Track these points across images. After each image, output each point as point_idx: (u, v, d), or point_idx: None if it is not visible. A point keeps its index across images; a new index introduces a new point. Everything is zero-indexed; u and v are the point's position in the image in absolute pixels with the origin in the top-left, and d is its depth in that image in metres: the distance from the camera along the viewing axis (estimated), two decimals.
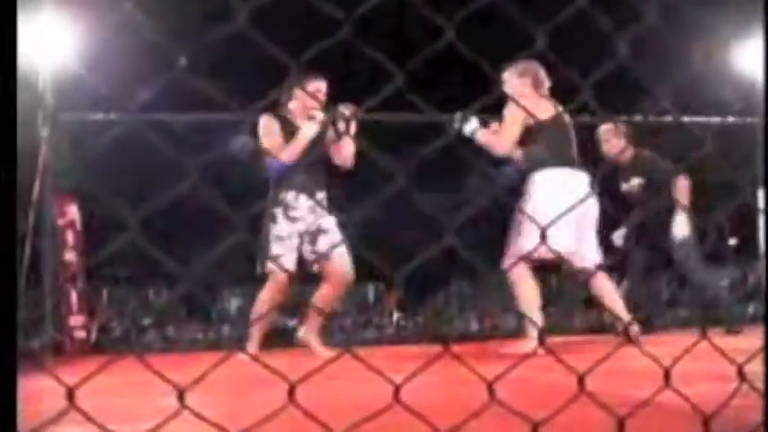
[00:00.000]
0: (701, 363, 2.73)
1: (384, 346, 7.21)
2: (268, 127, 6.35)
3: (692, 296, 9.84)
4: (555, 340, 7.40)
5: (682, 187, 7.59)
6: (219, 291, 12.01)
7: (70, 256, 7.84)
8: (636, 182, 7.94)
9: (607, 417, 1.92)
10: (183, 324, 10.03)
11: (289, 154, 6.23)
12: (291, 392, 1.56)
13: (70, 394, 1.52)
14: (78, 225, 7.89)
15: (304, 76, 6.25)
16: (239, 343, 7.15)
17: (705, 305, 8.63)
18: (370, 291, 16.01)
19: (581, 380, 1.82)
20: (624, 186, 8.07)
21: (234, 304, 11.65)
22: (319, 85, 6.30)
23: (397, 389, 1.64)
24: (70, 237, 7.84)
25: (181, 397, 1.53)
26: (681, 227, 7.58)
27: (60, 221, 7.77)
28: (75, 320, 7.80)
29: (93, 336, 8.38)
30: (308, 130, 6.26)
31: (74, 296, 7.83)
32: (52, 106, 7.83)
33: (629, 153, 7.90)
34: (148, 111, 7.36)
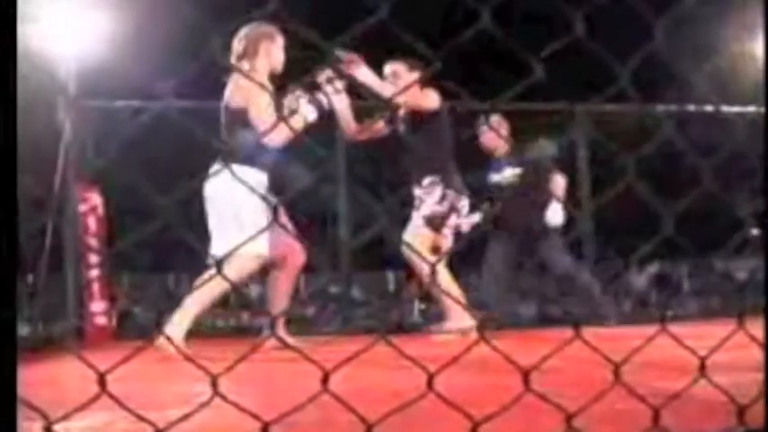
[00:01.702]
0: (730, 353, 2.70)
1: (408, 335, 7.18)
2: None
3: (549, 287, 9.87)
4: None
5: (558, 182, 8.02)
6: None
7: (92, 242, 7.85)
8: (509, 173, 8.02)
9: (639, 407, 1.90)
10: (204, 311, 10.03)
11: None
12: (325, 380, 1.55)
13: (101, 380, 1.51)
14: (100, 211, 7.90)
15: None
16: (260, 330, 7.13)
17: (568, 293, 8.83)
18: (391, 279, 16.00)
19: (616, 370, 1.80)
20: (495, 177, 8.13)
21: (254, 291, 11.63)
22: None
23: (431, 377, 1.62)
24: (92, 223, 7.85)
25: (214, 384, 1.52)
26: (555, 215, 7.84)
27: (82, 208, 7.78)
28: (97, 307, 7.81)
29: (114, 322, 8.40)
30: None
31: (95, 282, 7.85)
32: (75, 93, 7.83)
33: (508, 145, 8.10)
34: (174, 97, 7.34)
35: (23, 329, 7.56)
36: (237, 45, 5.50)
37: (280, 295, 5.95)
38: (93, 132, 8.04)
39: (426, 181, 6.29)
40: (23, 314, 7.78)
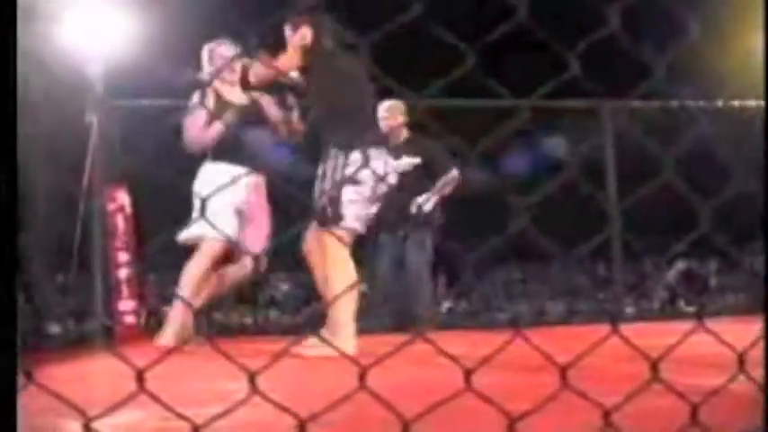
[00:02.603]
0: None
1: (437, 332, 7.17)
2: None
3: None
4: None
5: (452, 178, 7.92)
6: (266, 276, 12.05)
7: (120, 241, 7.89)
8: (405, 162, 7.80)
9: (675, 404, 1.89)
10: (231, 310, 10.06)
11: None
12: (362, 377, 1.55)
13: (140, 377, 1.51)
14: (128, 210, 7.93)
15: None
16: (289, 329, 7.15)
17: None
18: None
19: (654, 367, 1.78)
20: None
21: (281, 290, 11.65)
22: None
23: (468, 373, 1.62)
24: (120, 222, 7.88)
25: (252, 381, 1.52)
26: (426, 202, 7.83)
27: (110, 207, 7.82)
28: (125, 306, 7.84)
29: (143, 321, 8.43)
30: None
31: (124, 281, 7.88)
32: (102, 92, 7.87)
33: (405, 133, 8.07)
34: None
35: (54, 328, 7.60)
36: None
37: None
38: (121, 131, 8.08)
39: None
40: (53, 313, 7.82)
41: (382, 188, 5.41)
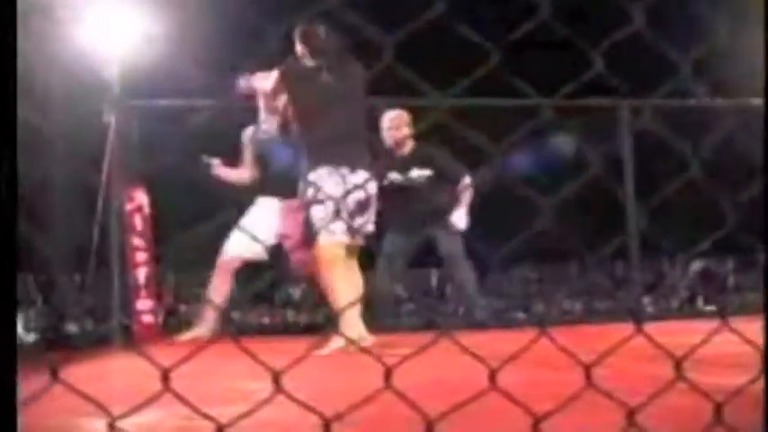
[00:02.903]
0: None
1: (459, 331, 7.18)
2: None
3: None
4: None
5: (466, 186, 7.91)
6: (282, 276, 12.07)
7: (138, 240, 7.90)
8: (416, 174, 7.89)
9: (699, 403, 1.88)
10: (248, 309, 10.08)
11: None
12: (387, 376, 1.54)
13: (165, 376, 1.51)
14: (146, 210, 7.95)
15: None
16: (305, 328, 7.16)
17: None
18: (433, 276, 15.98)
19: (678, 366, 1.78)
20: (397, 177, 7.95)
21: (298, 289, 11.66)
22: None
23: (493, 373, 1.61)
24: (138, 221, 7.89)
25: (276, 381, 1.52)
26: (460, 220, 7.85)
27: (128, 206, 7.83)
28: (143, 305, 7.85)
29: (161, 320, 8.45)
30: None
31: (141, 281, 7.89)
32: (120, 92, 7.88)
33: (411, 144, 7.99)
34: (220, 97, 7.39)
35: (72, 327, 7.63)
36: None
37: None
38: (139, 131, 8.10)
39: None
40: (72, 312, 7.85)
41: (354, 201, 5.56)
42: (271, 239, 6.86)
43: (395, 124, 7.86)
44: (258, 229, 6.67)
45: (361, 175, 5.51)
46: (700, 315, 9.24)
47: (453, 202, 7.88)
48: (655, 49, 1.83)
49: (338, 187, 5.36)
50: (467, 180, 7.94)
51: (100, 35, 7.64)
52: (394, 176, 7.95)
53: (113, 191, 7.74)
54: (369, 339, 5.19)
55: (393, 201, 7.60)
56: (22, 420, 1.58)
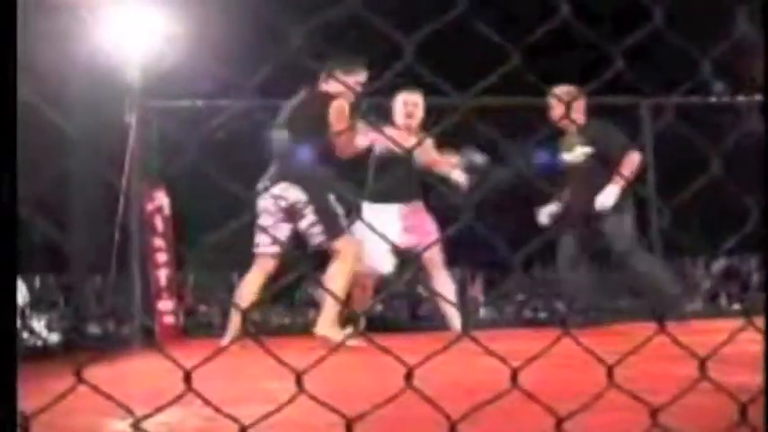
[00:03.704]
0: None
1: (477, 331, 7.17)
2: (343, 110, 6.14)
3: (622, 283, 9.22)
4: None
5: (630, 161, 7.06)
6: (304, 275, 12.06)
7: (158, 241, 7.93)
8: (580, 151, 7.31)
9: (723, 403, 1.87)
10: (269, 309, 10.09)
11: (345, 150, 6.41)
12: (409, 376, 1.54)
13: (187, 377, 1.52)
14: (167, 211, 7.98)
15: (347, 60, 6.32)
16: None
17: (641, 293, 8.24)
18: (455, 275, 15.92)
19: (702, 365, 1.77)
20: (566, 156, 7.50)
21: (318, 289, 11.66)
22: (360, 77, 6.26)
23: (515, 373, 1.61)
24: (158, 222, 7.93)
25: (299, 381, 1.52)
26: (607, 197, 7.04)
27: (149, 207, 7.86)
28: (164, 306, 7.88)
29: (182, 320, 8.48)
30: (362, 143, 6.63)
31: (162, 281, 7.93)
32: (140, 93, 7.91)
33: (581, 120, 7.30)
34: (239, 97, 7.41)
35: (93, 329, 7.67)
36: None
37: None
38: (160, 132, 8.13)
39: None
40: (93, 314, 7.89)
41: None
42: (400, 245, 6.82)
43: (560, 101, 7.08)
44: (390, 237, 6.40)
45: None
46: (723, 314, 9.20)
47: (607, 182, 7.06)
48: (675, 47, 1.83)
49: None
50: (634, 156, 7.12)
51: (121, 36, 7.67)
52: (567, 158, 7.48)
53: (134, 192, 7.78)
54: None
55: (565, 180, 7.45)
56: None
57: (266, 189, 6.00)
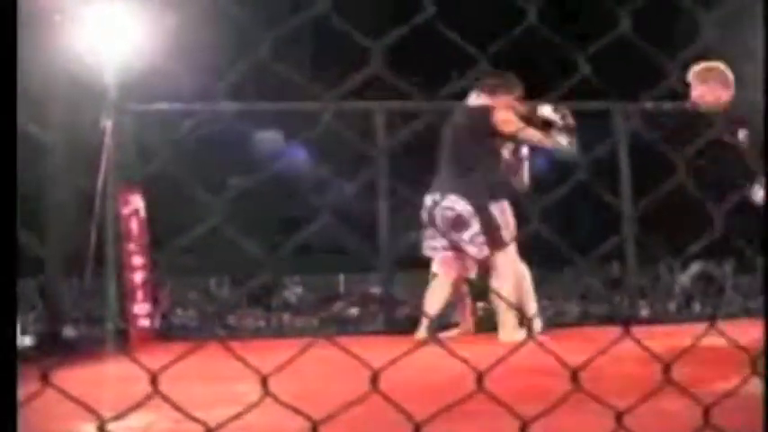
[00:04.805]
0: None
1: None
2: (509, 113, 6.48)
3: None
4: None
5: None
6: (280, 280, 12.08)
7: (134, 244, 7.90)
8: (742, 134, 6.18)
9: (689, 406, 1.89)
10: (245, 313, 10.09)
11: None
12: (374, 379, 1.55)
13: (153, 379, 1.52)
14: (142, 214, 7.95)
15: (502, 78, 6.56)
16: (302, 331, 7.17)
17: None
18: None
19: (666, 368, 1.78)
20: (729, 138, 6.26)
21: (295, 293, 11.66)
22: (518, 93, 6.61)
23: (480, 377, 1.62)
24: (134, 226, 7.89)
25: (264, 383, 1.52)
26: (759, 194, 5.95)
27: (125, 210, 7.83)
28: (140, 309, 7.84)
29: (157, 324, 8.45)
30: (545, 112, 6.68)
31: (138, 285, 7.89)
32: (117, 96, 7.88)
33: (727, 98, 6.25)
34: (219, 100, 7.39)
35: (69, 332, 7.63)
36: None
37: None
38: (136, 135, 8.10)
39: None
40: (69, 316, 7.85)
41: None
42: None
43: (706, 77, 6.25)
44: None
45: None
46: (698, 318, 9.25)
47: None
48: (643, 52, 1.84)
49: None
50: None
51: (97, 39, 7.64)
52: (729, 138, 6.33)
53: (110, 195, 7.74)
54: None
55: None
56: (21, 421, 1.59)
57: (435, 201, 6.55)
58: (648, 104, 8.58)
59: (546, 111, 6.63)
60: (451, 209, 6.48)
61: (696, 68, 6.21)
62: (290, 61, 6.04)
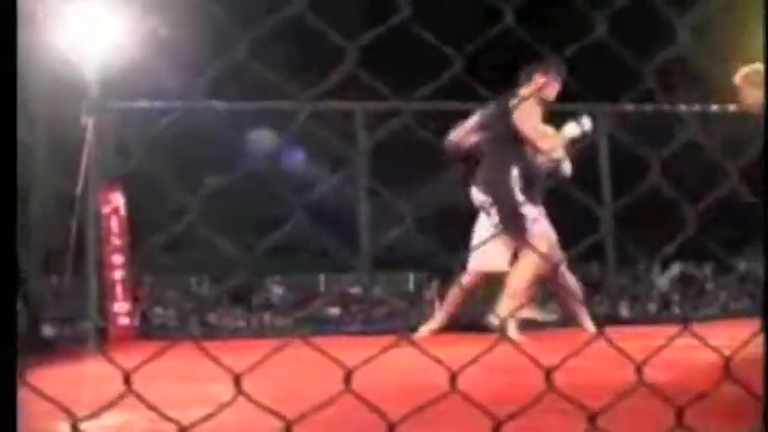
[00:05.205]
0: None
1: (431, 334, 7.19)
2: (532, 113, 6.32)
3: None
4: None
5: None
6: (261, 279, 12.07)
7: (114, 243, 7.88)
8: None
9: (663, 407, 1.89)
10: (225, 312, 10.08)
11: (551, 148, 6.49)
12: (347, 379, 1.55)
13: (127, 378, 1.52)
14: (123, 212, 7.92)
15: (547, 63, 6.29)
16: (282, 330, 7.16)
17: None
18: (411, 279, 16.01)
19: (639, 369, 1.79)
20: None
21: (275, 292, 11.65)
22: (558, 79, 6.42)
23: (454, 377, 1.62)
24: (114, 224, 7.87)
25: (237, 383, 1.52)
26: None
27: (105, 209, 7.80)
28: (120, 307, 7.82)
29: (137, 322, 8.43)
30: (569, 132, 6.58)
31: (118, 283, 7.87)
32: (98, 94, 7.86)
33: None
34: (199, 99, 7.38)
35: (48, 330, 7.60)
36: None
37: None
38: (117, 133, 8.07)
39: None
40: (48, 315, 7.82)
41: None
42: None
43: (753, 80, 5.96)
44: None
45: None
46: (677, 319, 9.29)
47: None
48: (619, 55, 1.85)
49: None
50: None
51: (78, 37, 7.62)
52: None
53: (90, 193, 7.72)
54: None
55: None
56: (22, 421, 1.59)
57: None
58: (630, 107, 8.62)
59: (570, 131, 6.61)
60: (475, 200, 6.57)
61: (746, 71, 5.95)
62: (272, 61, 6.03)
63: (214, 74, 1.68)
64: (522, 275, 6.33)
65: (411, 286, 16.46)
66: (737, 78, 5.96)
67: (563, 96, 6.64)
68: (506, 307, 6.33)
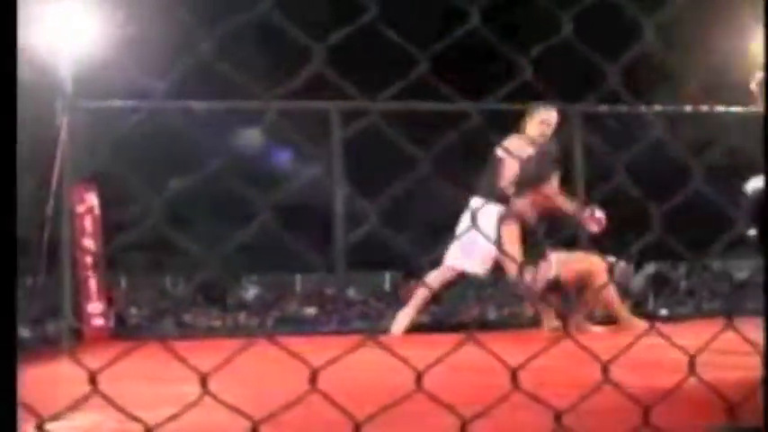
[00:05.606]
0: (724, 352, 2.70)
1: (403, 335, 7.19)
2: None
3: None
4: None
5: None
6: (237, 279, 12.04)
7: (89, 242, 7.84)
8: None
9: (630, 405, 1.91)
10: (201, 312, 10.05)
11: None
12: (313, 379, 1.55)
13: (92, 379, 1.51)
14: (97, 212, 7.89)
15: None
16: (257, 330, 7.14)
17: None
18: (387, 279, 16.02)
19: (605, 368, 1.80)
20: None
21: (251, 292, 11.63)
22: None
23: (419, 376, 1.63)
24: (89, 224, 7.83)
25: (203, 383, 1.52)
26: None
27: (79, 208, 7.76)
28: (94, 308, 7.79)
29: (111, 323, 8.39)
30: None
31: (92, 283, 7.83)
32: (72, 93, 7.82)
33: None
34: (170, 98, 7.36)
35: (22, 331, 7.56)
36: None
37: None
38: (91, 133, 8.03)
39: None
40: (22, 316, 7.77)
41: None
42: None
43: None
44: None
45: None
46: (651, 318, 9.32)
47: None
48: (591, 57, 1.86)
49: None
50: None
51: (53, 36, 7.58)
52: None
53: (64, 192, 7.68)
54: None
55: None
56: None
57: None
58: (603, 107, 8.67)
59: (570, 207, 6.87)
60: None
61: (762, 77, 5.89)
62: (247, 61, 6.04)
63: (178, 74, 1.68)
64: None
65: (387, 286, 16.49)
66: (754, 83, 6.19)
67: (531, 96, 6.72)
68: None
